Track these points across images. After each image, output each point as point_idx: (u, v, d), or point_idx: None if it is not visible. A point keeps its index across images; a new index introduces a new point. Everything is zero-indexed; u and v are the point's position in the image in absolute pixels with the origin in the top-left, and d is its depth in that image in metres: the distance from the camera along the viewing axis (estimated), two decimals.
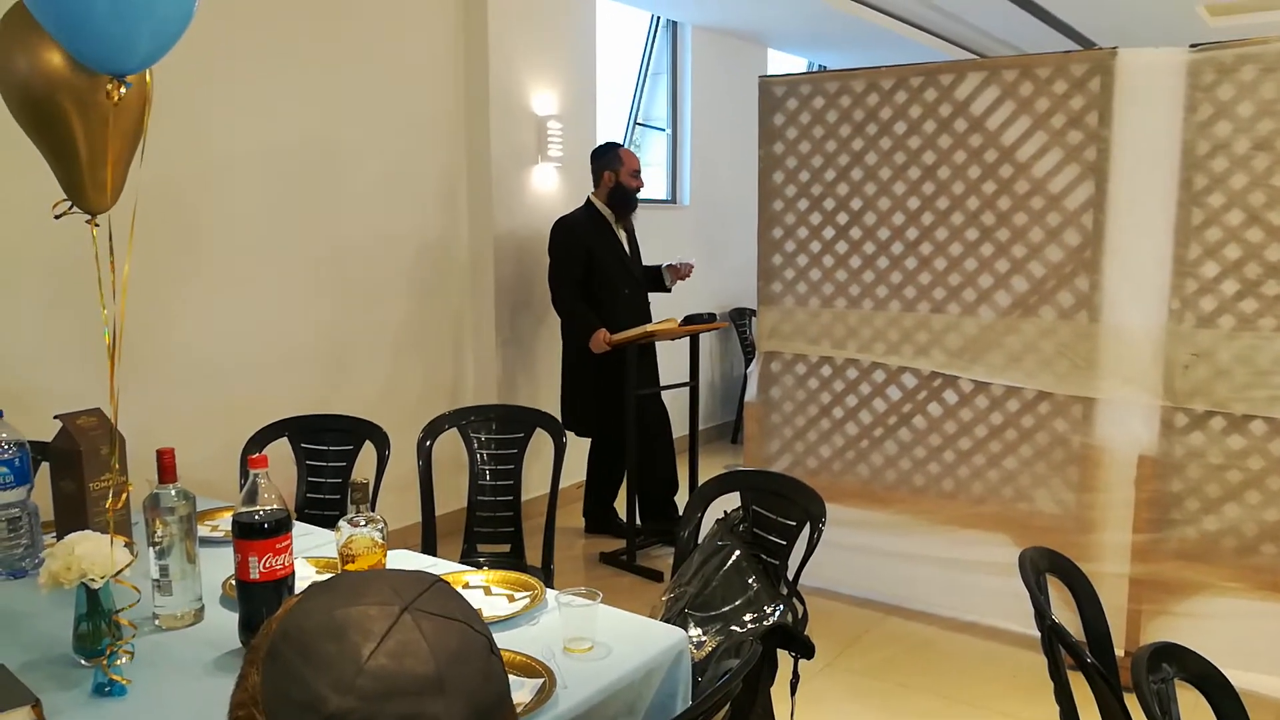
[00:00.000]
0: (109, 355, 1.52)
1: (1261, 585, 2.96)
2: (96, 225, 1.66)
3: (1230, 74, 2.90)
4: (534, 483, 3.83)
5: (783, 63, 7.32)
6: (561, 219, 4.33)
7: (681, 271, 4.51)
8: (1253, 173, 2.89)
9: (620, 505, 4.48)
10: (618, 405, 4.10)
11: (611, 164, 4.30)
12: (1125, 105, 3.09)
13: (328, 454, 2.86)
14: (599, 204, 4.32)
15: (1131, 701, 1.49)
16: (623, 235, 4.39)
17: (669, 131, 6.21)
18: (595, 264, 4.25)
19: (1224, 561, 3.02)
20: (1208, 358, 2.99)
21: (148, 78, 1.68)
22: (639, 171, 4.34)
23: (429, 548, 2.80)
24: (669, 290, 4.57)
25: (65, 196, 1.67)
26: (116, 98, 1.49)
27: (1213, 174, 2.95)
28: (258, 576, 1.59)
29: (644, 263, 4.53)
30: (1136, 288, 3.11)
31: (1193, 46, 2.95)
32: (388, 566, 1.83)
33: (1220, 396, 2.98)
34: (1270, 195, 2.87)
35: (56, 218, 1.66)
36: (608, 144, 4.42)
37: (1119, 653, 2.11)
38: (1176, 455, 3.07)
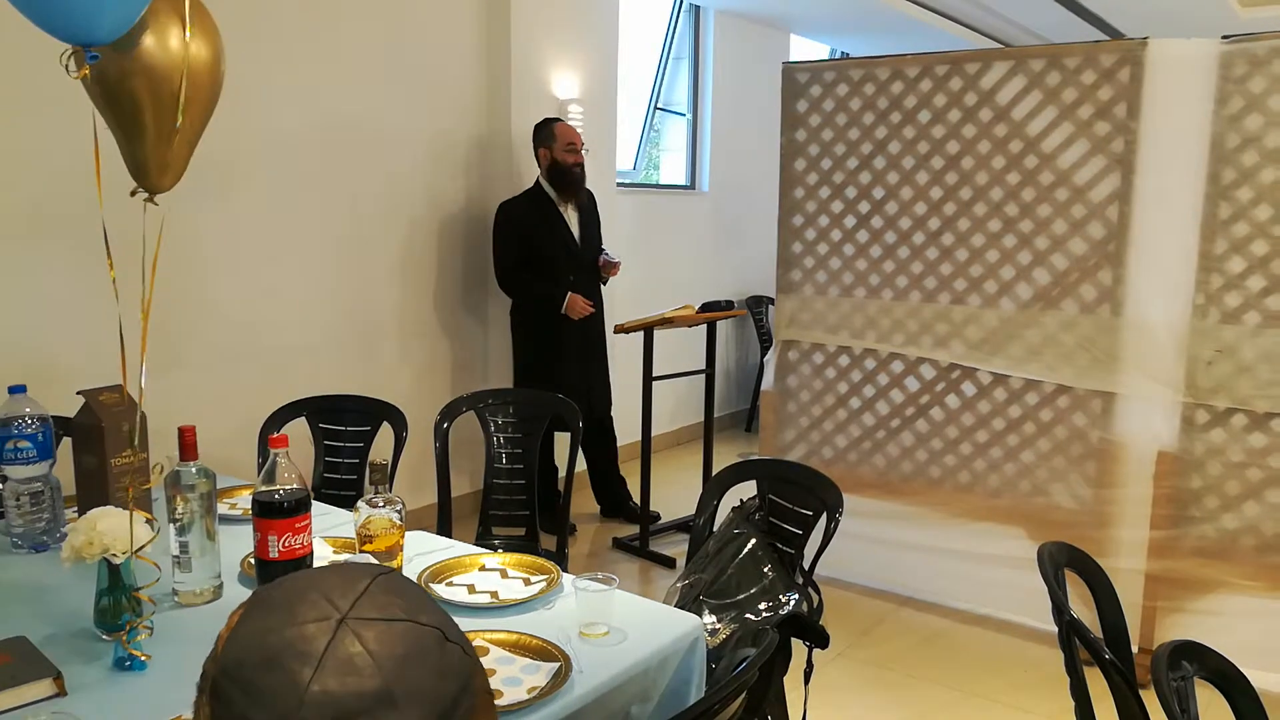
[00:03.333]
0: (118, 335, 1.54)
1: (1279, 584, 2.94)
2: (155, 204, 1.69)
3: (1263, 66, 2.86)
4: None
5: (805, 49, 7.26)
6: (503, 202, 4.13)
7: (610, 269, 4.25)
8: None
9: (634, 491, 4.49)
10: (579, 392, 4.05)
11: (545, 140, 4.07)
12: (1155, 97, 3.05)
13: (345, 434, 2.88)
14: (544, 184, 4.12)
15: (1147, 698, 1.48)
16: (572, 217, 4.16)
17: (689, 117, 6.18)
18: (534, 248, 4.05)
19: (1242, 559, 3.00)
20: (1231, 354, 2.96)
21: (221, 64, 1.70)
22: (576, 146, 4.07)
23: (444, 529, 2.81)
24: (603, 283, 4.33)
25: (132, 177, 1.70)
26: (84, 73, 1.48)
27: (1242, 168, 2.91)
28: (277, 555, 1.61)
29: (605, 246, 4.34)
30: (1161, 282, 3.07)
31: (1225, 38, 2.91)
32: (404, 547, 1.84)
33: (1243, 393, 2.95)
34: None
35: (131, 194, 1.69)
36: (545, 119, 4.20)
37: (1134, 649, 2.10)
38: (1197, 452, 3.04)
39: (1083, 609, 1.86)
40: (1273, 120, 2.86)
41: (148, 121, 1.62)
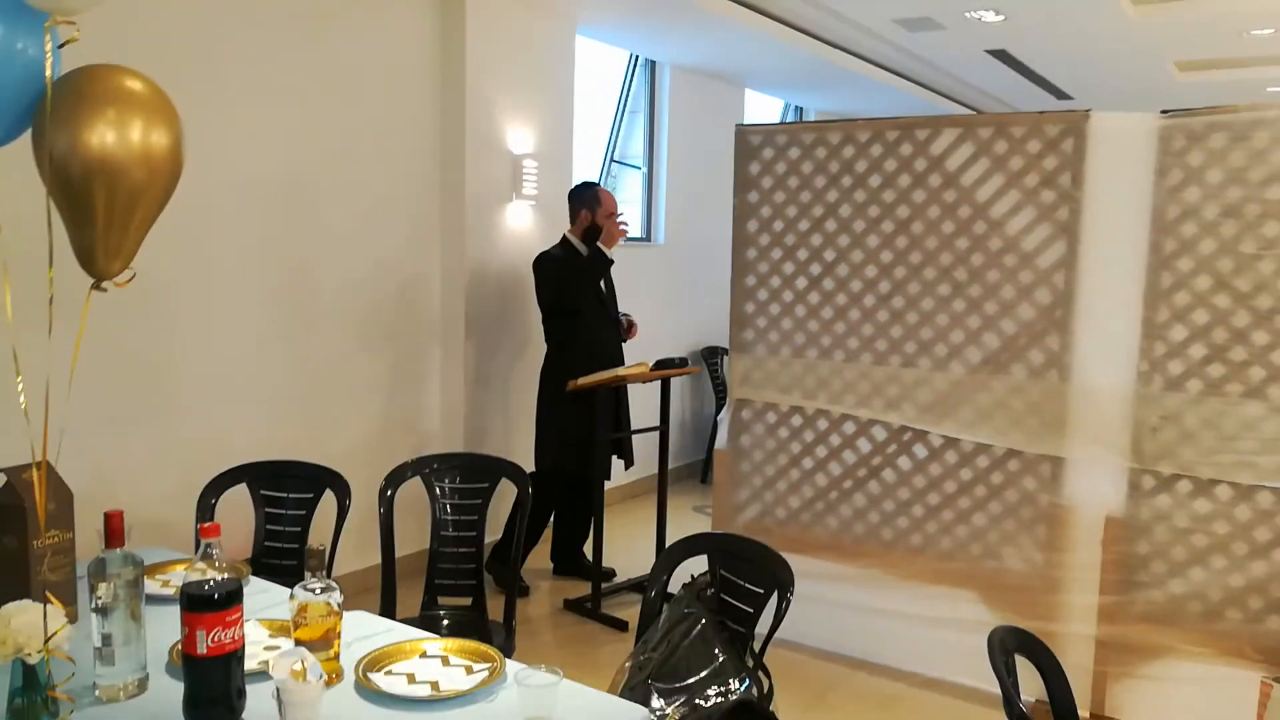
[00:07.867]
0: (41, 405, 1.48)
1: (1226, 651, 2.96)
2: (103, 290, 1.65)
3: (1200, 141, 2.93)
4: (498, 527, 3.76)
5: (760, 102, 7.37)
6: (543, 253, 4.27)
7: (633, 330, 4.47)
8: (1221, 239, 2.92)
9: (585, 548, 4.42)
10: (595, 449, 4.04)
11: (589, 203, 4.25)
12: (1097, 167, 3.11)
13: (287, 501, 2.80)
14: (575, 241, 4.27)
15: None
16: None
17: (645, 170, 6.21)
18: (568, 298, 4.18)
19: (1189, 625, 3.02)
20: (1175, 421, 3.00)
21: (181, 151, 1.69)
22: (615, 214, 4.26)
23: (388, 598, 2.74)
24: (624, 340, 4.49)
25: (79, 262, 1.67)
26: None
27: (1182, 238, 2.98)
28: (205, 651, 1.53)
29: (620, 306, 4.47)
30: (1106, 349, 3.12)
31: (1164, 112, 2.99)
32: (341, 633, 1.77)
33: (1187, 460, 2.99)
34: (1238, 262, 2.90)
35: (93, 289, 1.67)
36: (586, 183, 4.39)
37: (1084, 714, 2.09)
38: (1143, 517, 3.07)
39: (1031, 679, 1.84)
40: (1210, 193, 2.93)
41: (99, 211, 1.57)
